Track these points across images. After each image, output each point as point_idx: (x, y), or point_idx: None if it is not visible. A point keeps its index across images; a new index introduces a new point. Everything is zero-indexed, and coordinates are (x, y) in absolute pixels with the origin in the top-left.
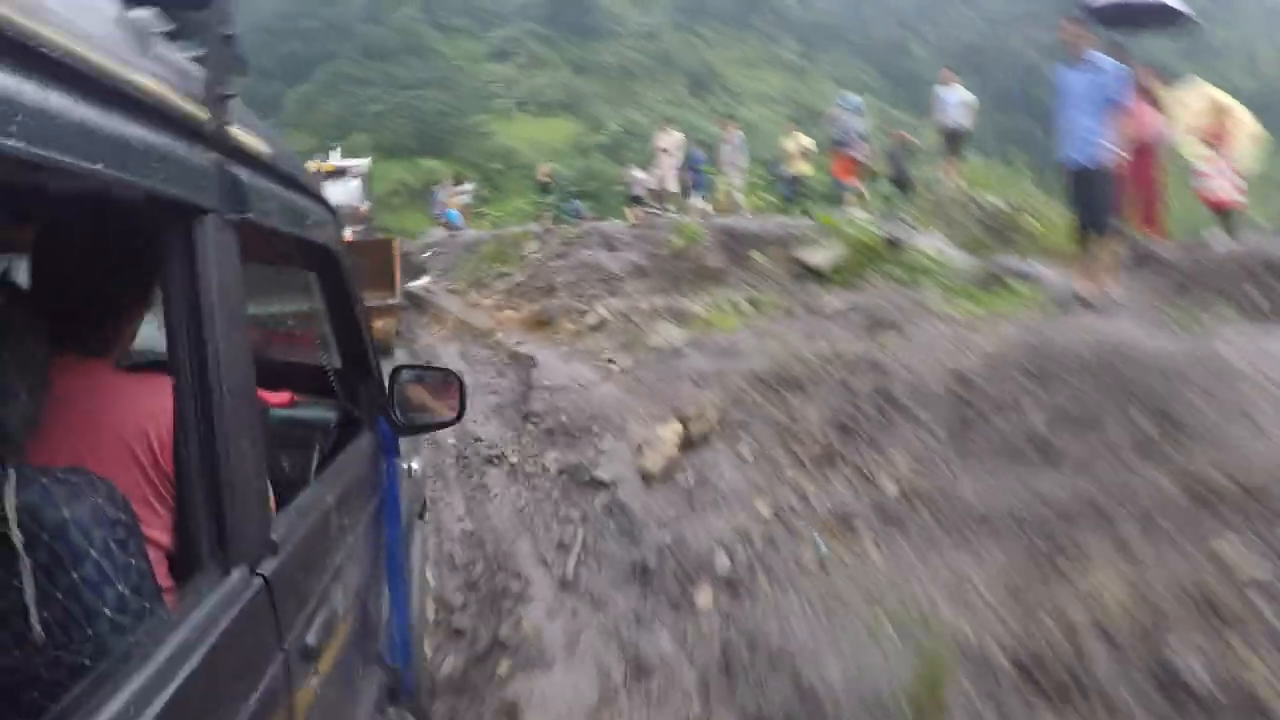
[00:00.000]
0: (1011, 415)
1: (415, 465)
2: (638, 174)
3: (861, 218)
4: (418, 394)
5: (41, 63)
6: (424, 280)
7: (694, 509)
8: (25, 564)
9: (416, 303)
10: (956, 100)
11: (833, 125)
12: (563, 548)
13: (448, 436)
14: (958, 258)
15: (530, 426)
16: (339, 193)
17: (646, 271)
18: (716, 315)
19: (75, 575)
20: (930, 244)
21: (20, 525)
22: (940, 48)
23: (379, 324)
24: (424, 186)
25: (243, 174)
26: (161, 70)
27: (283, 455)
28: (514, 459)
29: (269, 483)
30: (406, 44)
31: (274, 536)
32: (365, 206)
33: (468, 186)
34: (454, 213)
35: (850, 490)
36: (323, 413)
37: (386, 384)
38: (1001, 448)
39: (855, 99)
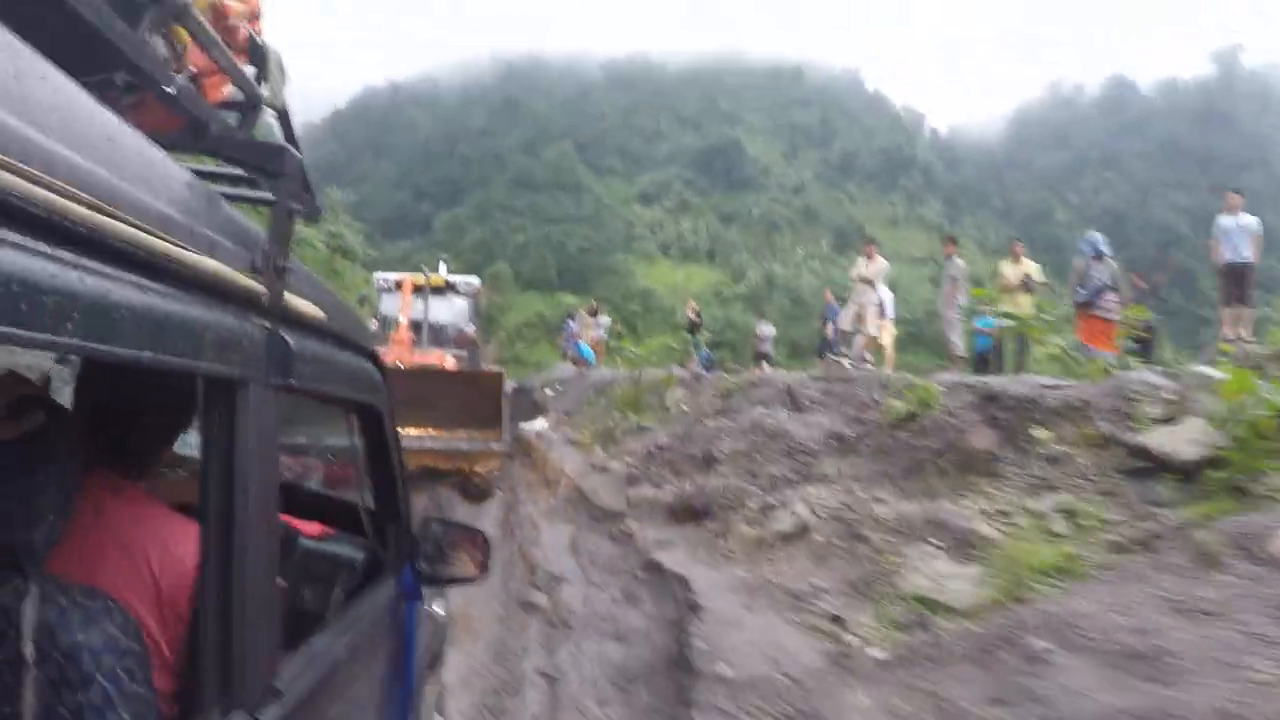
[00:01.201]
0: None
1: (439, 609)
2: (765, 330)
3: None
4: (445, 547)
5: (102, 251)
6: (540, 423)
7: None
8: (32, 679)
9: (526, 450)
10: (1244, 229)
11: (1079, 281)
12: None
13: None
14: None
15: None
16: (444, 311)
17: (854, 446)
18: (1017, 542)
19: (80, 697)
20: None
21: (34, 641)
22: (1083, 212)
23: (480, 468)
24: (560, 321)
25: (292, 340)
26: (223, 239)
27: (305, 587)
28: None
29: (281, 619)
30: (558, 179)
31: (278, 684)
32: (472, 329)
33: (604, 320)
34: (586, 347)
35: None
36: (351, 550)
37: (417, 532)
38: None
39: (1096, 237)
